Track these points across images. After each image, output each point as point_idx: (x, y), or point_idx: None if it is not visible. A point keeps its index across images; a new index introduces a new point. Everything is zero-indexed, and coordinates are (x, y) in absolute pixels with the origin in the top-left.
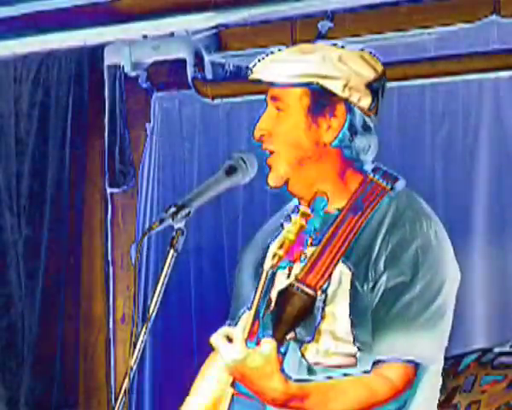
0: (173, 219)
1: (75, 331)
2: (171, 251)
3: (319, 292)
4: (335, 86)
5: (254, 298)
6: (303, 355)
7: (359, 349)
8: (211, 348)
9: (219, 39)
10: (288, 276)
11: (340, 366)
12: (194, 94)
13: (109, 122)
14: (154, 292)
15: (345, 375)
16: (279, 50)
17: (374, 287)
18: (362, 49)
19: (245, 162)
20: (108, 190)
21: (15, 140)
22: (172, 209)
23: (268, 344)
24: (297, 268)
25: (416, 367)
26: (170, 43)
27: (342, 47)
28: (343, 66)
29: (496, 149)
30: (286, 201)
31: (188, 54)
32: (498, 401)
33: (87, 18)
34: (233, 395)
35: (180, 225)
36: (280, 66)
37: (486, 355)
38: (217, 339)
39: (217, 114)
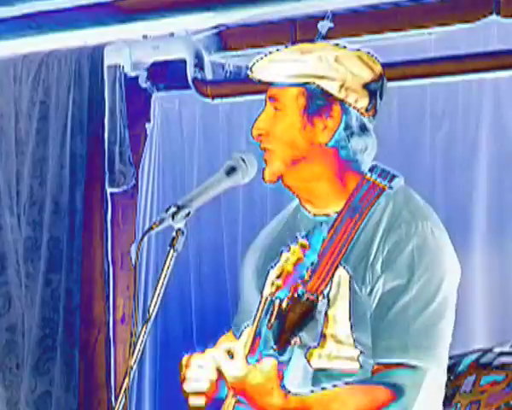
0: (173, 220)
1: (75, 331)
2: (171, 251)
3: (321, 296)
4: (332, 87)
5: (255, 317)
6: (308, 361)
7: (361, 352)
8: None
9: (219, 39)
10: None
11: (342, 371)
12: (195, 94)
13: (109, 122)
14: (154, 292)
15: (347, 383)
16: (277, 50)
17: (372, 290)
18: (358, 50)
19: (245, 162)
20: (108, 190)
21: (15, 140)
22: (172, 209)
23: (269, 361)
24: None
25: (415, 370)
26: (170, 43)
27: (344, 47)
28: (339, 66)
29: (496, 149)
30: (286, 201)
31: (188, 54)
32: (498, 401)
33: (87, 18)
34: (235, 404)
35: (180, 225)
36: (278, 66)
37: (486, 355)
38: (218, 355)
39: (217, 114)
